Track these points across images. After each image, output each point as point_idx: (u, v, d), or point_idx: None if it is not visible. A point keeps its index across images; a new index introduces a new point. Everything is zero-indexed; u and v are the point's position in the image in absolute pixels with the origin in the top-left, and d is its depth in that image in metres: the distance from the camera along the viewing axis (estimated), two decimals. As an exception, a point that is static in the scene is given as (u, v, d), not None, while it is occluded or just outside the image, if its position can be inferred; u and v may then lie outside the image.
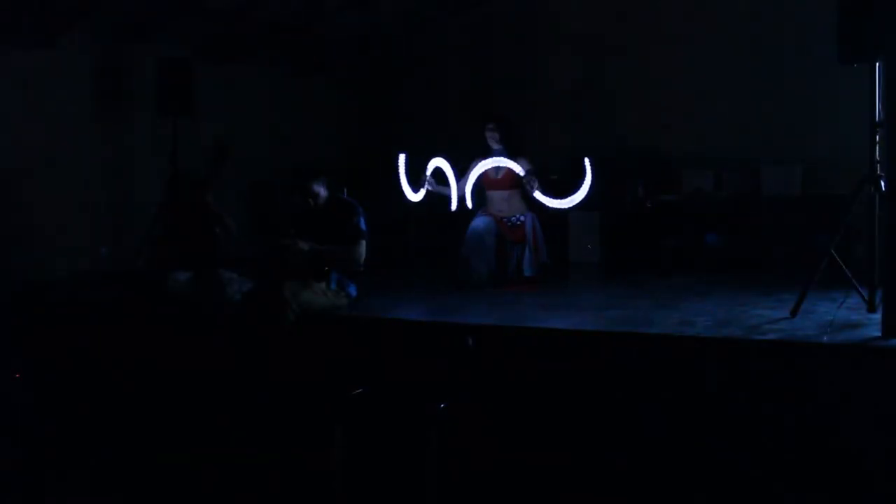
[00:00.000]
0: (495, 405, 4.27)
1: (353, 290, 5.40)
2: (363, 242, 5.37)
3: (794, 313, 4.66)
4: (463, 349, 4.36)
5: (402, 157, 6.29)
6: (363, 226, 5.38)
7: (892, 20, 4.29)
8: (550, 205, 6.13)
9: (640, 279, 6.67)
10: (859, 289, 4.72)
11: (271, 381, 4.66)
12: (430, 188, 6.28)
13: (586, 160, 5.95)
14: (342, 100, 9.57)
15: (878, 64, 4.56)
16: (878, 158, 4.63)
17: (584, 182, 5.94)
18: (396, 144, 8.91)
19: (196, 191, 6.02)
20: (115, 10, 7.07)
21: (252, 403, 4.60)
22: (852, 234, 5.32)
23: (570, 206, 6.09)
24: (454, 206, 6.30)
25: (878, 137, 4.63)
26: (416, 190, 6.27)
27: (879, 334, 4.09)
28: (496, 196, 6.46)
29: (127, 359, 5.26)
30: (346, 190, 5.79)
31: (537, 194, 6.10)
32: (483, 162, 6.31)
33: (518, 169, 6.22)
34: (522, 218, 6.39)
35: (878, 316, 4.26)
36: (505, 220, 6.41)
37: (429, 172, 6.27)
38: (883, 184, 4.45)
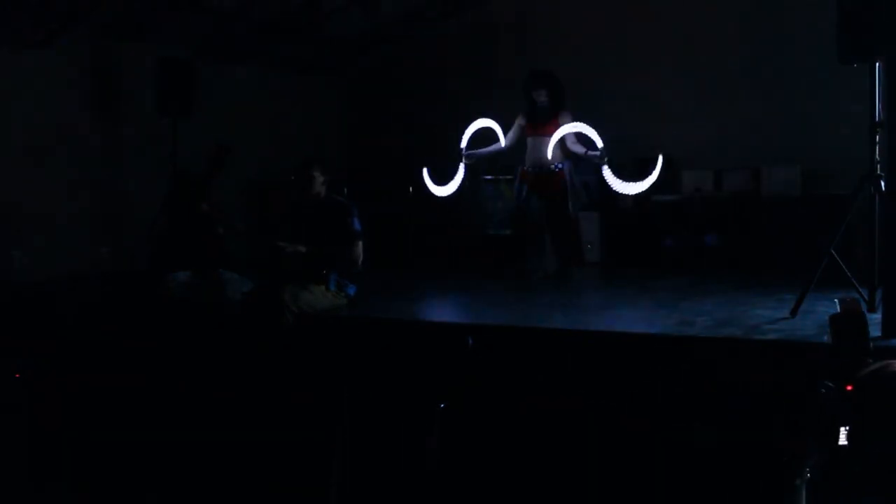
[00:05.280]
0: (495, 405, 4.27)
1: (352, 291, 5.40)
2: (359, 243, 5.36)
3: (794, 313, 4.66)
4: (463, 349, 4.36)
5: (424, 171, 6.36)
6: (358, 226, 5.36)
7: (893, 20, 4.29)
8: (618, 188, 6.22)
9: (640, 279, 6.67)
10: (859, 289, 4.71)
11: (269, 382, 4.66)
12: (468, 161, 6.35)
13: (660, 157, 6.10)
14: (342, 100, 9.57)
15: (878, 64, 4.56)
16: (878, 158, 4.63)
17: (655, 170, 6.06)
18: (396, 144, 8.98)
19: (194, 193, 6.01)
20: (114, 10, 7.06)
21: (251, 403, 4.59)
22: (852, 234, 5.31)
23: (638, 191, 6.24)
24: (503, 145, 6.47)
25: (878, 137, 4.62)
26: (444, 183, 6.33)
27: (879, 334, 4.09)
28: (537, 143, 6.44)
29: (125, 359, 5.26)
30: (345, 189, 5.78)
31: (607, 172, 6.13)
32: (566, 126, 6.32)
33: (596, 139, 6.21)
34: (561, 165, 6.43)
35: (878, 316, 4.26)
36: (543, 170, 6.43)
37: (463, 144, 6.35)
38: (883, 184, 4.45)
